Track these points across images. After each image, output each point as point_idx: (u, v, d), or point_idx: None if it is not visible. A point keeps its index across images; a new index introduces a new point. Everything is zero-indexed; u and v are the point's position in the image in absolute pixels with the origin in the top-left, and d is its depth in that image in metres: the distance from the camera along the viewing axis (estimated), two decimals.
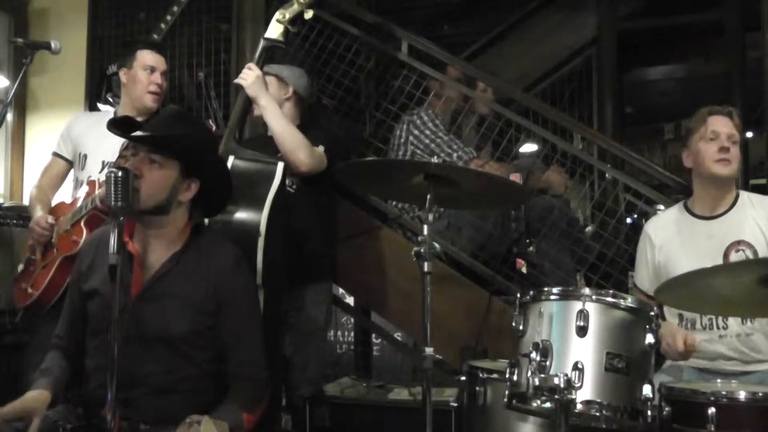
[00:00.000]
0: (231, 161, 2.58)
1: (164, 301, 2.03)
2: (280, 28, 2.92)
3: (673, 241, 2.64)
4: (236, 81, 2.90)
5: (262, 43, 2.95)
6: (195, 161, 2.09)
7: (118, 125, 2.13)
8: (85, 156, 3.07)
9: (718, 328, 2.50)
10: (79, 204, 2.90)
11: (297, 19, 2.94)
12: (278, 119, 2.91)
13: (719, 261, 2.50)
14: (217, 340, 2.06)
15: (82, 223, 2.80)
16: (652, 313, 1.97)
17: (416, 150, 3.56)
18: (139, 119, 2.98)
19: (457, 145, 3.55)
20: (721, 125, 2.58)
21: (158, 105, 3.09)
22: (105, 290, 2.05)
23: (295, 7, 2.93)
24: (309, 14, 2.95)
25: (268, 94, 2.94)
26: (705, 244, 2.56)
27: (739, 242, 2.53)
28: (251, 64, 2.92)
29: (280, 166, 2.57)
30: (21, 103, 4.43)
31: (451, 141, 3.56)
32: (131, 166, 1.99)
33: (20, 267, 3.03)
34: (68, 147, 3.15)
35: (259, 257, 2.35)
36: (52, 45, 3.08)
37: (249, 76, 2.88)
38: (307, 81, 3.23)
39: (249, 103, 2.92)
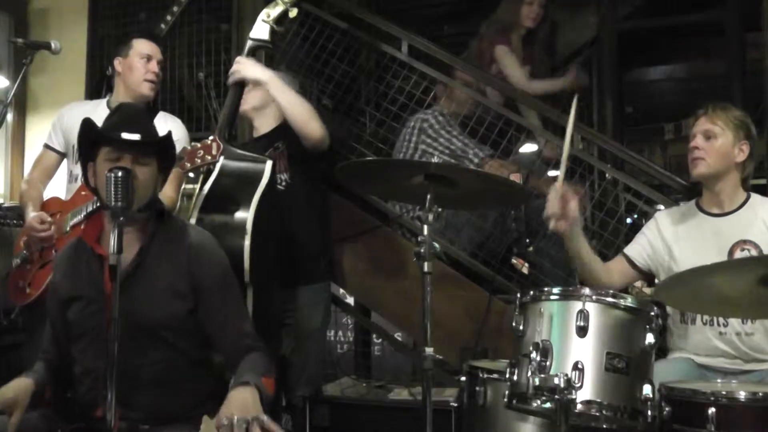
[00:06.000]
0: (221, 161, 2.57)
1: (140, 291, 2.04)
2: (266, 27, 2.88)
3: (680, 234, 2.65)
4: (230, 80, 2.85)
5: (248, 44, 2.90)
6: (171, 157, 2.18)
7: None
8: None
9: (718, 324, 2.50)
10: (70, 203, 2.89)
11: (282, 18, 2.90)
12: (284, 91, 2.86)
13: (723, 258, 2.49)
14: (203, 324, 2.07)
15: (83, 226, 2.78)
16: (652, 313, 1.98)
17: (427, 150, 3.57)
18: None
19: (472, 143, 3.56)
20: (696, 126, 2.62)
21: (154, 94, 3.09)
22: (82, 293, 2.08)
23: (280, 6, 2.88)
24: (293, 13, 2.90)
25: (266, 69, 2.90)
26: (711, 240, 2.57)
27: (744, 241, 2.53)
28: (236, 60, 2.88)
29: (269, 164, 2.56)
30: (21, 103, 4.44)
31: (465, 144, 3.57)
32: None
33: (15, 262, 3.00)
34: (60, 139, 3.13)
35: (246, 256, 2.35)
36: (52, 45, 3.08)
37: (240, 66, 2.83)
38: (296, 87, 3.22)
39: (238, 100, 2.87)
